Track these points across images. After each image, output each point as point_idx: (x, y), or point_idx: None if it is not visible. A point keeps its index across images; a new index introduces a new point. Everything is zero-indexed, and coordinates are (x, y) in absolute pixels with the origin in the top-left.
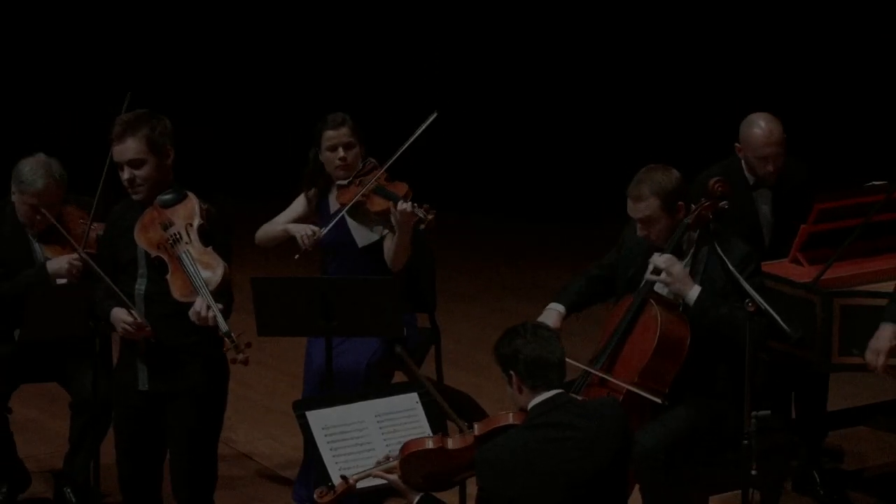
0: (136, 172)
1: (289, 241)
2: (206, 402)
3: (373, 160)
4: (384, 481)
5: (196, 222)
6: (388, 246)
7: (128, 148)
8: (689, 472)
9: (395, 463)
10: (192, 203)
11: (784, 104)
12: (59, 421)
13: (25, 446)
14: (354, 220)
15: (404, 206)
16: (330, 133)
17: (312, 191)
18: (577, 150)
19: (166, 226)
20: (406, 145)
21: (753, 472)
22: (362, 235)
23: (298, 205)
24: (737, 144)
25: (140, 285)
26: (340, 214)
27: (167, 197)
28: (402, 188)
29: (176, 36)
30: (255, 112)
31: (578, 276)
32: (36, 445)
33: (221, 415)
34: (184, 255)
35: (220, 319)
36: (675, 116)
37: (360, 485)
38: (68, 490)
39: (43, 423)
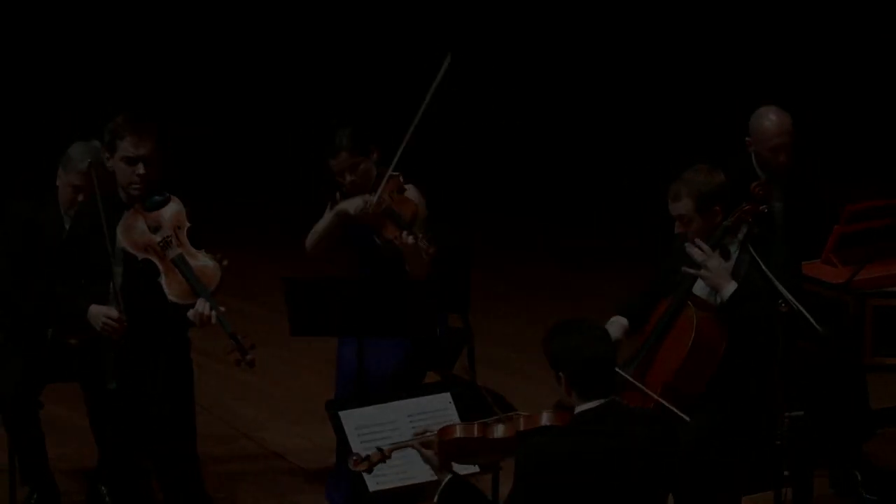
0: (149, 170)
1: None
2: (176, 397)
3: (388, 172)
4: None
5: (185, 226)
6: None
7: (148, 142)
8: (720, 471)
9: (434, 438)
10: (179, 206)
11: (791, 105)
12: (88, 419)
13: (56, 445)
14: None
15: (406, 238)
16: (332, 162)
17: (337, 196)
18: (623, 152)
19: (154, 228)
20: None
21: (786, 473)
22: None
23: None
24: (747, 139)
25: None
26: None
27: (153, 200)
28: (408, 210)
29: (175, 35)
30: (255, 111)
31: (634, 294)
32: (66, 444)
33: (193, 406)
34: (179, 260)
35: (224, 321)
36: (698, 119)
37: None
38: (103, 488)
39: (73, 421)
